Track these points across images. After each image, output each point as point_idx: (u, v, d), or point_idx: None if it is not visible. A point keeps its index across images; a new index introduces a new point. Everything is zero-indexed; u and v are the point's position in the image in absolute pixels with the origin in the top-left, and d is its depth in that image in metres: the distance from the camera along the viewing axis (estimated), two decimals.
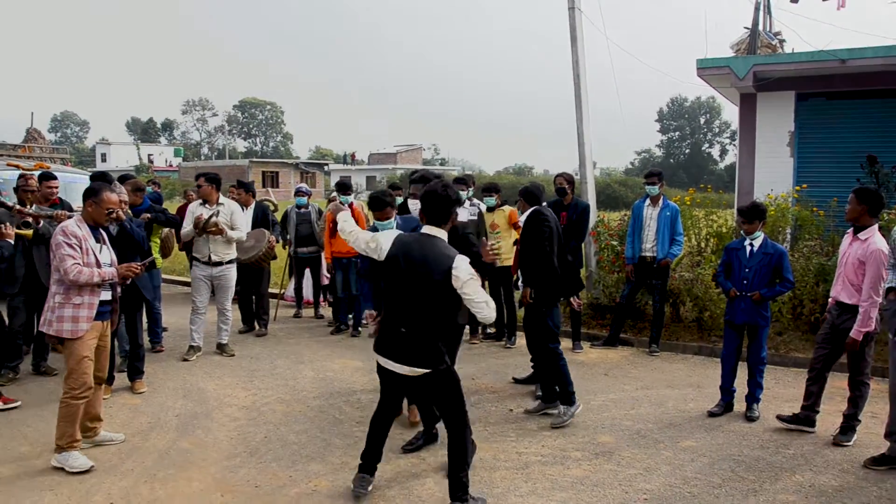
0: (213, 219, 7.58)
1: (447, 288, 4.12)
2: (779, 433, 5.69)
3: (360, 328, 9.29)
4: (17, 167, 10.87)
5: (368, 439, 4.56)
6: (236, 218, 7.99)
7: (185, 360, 7.80)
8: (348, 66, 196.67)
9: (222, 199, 8.01)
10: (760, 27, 12.57)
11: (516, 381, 6.99)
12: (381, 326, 4.38)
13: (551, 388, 6.11)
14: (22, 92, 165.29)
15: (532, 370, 7.03)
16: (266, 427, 5.79)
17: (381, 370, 4.41)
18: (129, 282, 5.68)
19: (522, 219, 6.06)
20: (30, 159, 12.53)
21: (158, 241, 8.19)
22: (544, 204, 6.19)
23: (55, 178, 7.53)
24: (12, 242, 6.27)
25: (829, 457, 5.23)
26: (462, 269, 4.10)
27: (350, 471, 4.89)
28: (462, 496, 4.25)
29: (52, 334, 4.95)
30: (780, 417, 5.79)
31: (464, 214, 8.01)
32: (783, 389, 6.93)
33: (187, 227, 7.76)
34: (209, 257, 7.85)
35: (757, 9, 12.55)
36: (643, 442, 5.52)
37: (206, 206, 7.81)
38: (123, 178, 7.55)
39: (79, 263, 4.92)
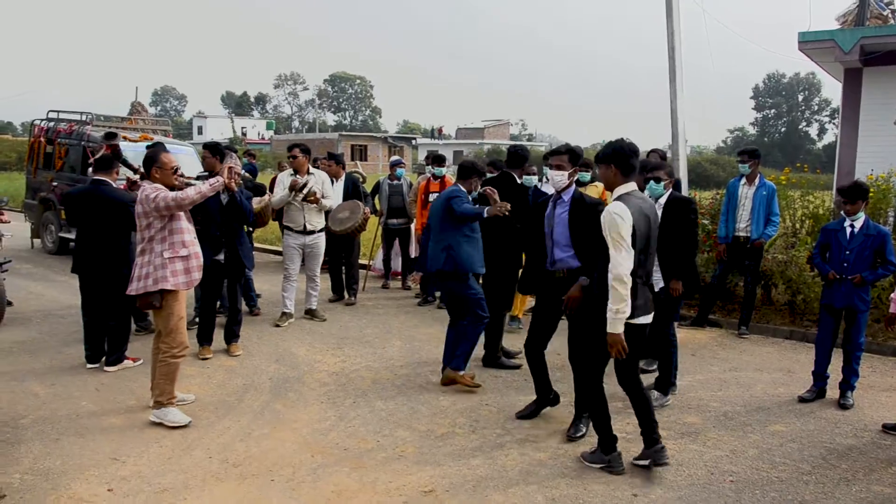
0: (314, 188, 7.81)
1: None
2: (874, 423, 5.49)
3: None
4: (125, 138, 11.39)
5: (604, 408, 4.57)
6: (327, 188, 8.23)
7: (278, 325, 8.05)
8: (438, 40, 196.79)
9: (312, 169, 8.21)
10: None
11: None
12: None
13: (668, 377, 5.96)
14: (126, 67, 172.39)
15: None
16: (354, 393, 5.95)
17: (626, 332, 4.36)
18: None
19: (663, 200, 5.81)
20: (135, 131, 13.06)
21: None
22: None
23: (150, 146, 7.95)
24: None
25: None
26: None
27: (436, 438, 5.01)
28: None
29: (171, 288, 5.07)
30: (886, 427, 5.36)
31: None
32: (879, 378, 6.66)
33: (279, 194, 7.96)
34: (304, 226, 8.05)
35: None
36: (730, 424, 5.42)
37: (297, 176, 8.00)
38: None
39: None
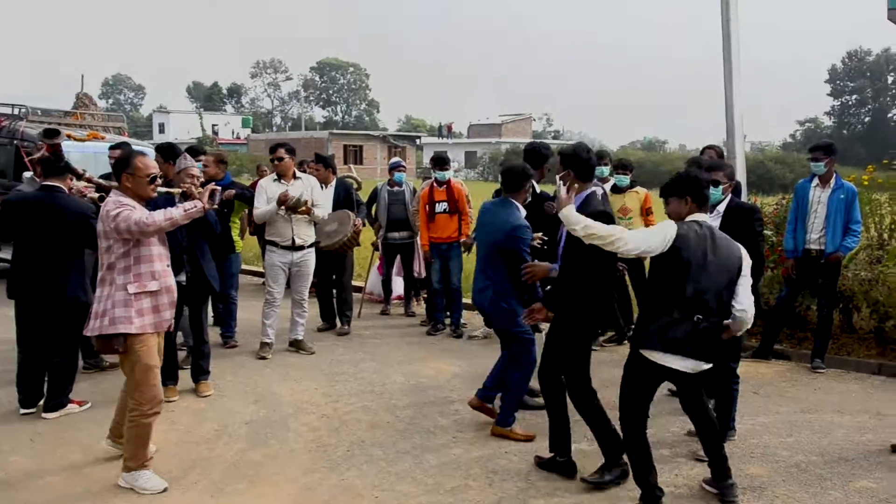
0: (304, 197, 7.89)
1: (737, 276, 4.72)
2: None
3: (461, 328, 9.41)
4: (70, 136, 11.40)
5: (644, 457, 4.75)
6: (317, 194, 8.29)
7: (263, 357, 8.13)
8: (445, 22, 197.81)
9: (299, 173, 8.27)
10: None
11: (672, 393, 6.97)
12: (658, 321, 4.62)
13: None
14: (71, 51, 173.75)
15: None
16: (349, 439, 5.97)
17: (654, 372, 4.72)
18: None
19: (721, 208, 5.94)
20: (81, 128, 13.08)
21: (238, 221, 8.50)
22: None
23: (115, 146, 8.06)
24: None
25: None
26: (747, 260, 4.77)
27: (446, 493, 5.01)
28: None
29: (136, 332, 4.86)
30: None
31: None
32: None
33: (263, 206, 7.99)
34: (292, 241, 8.11)
35: None
36: (804, 478, 5.39)
37: (282, 181, 8.07)
38: (191, 151, 7.88)
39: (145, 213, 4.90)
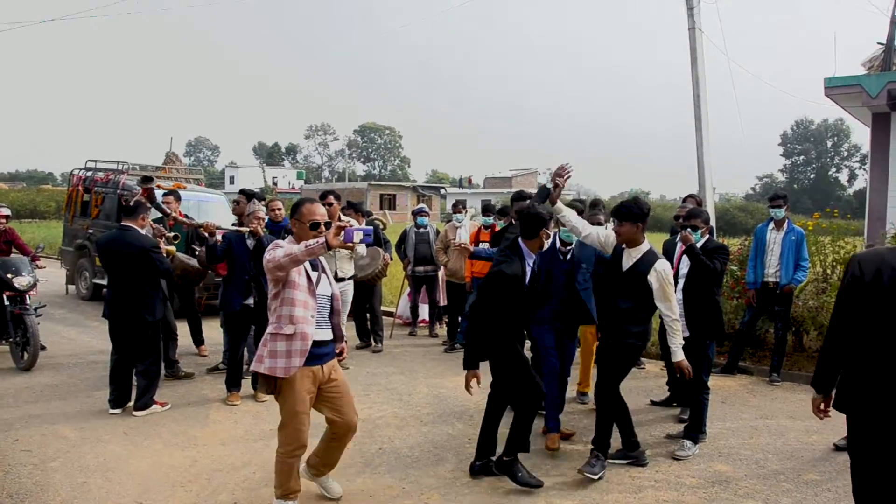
0: None
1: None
2: None
3: None
4: (159, 187, 11.60)
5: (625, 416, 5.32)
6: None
7: None
8: (467, 91, 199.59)
9: (342, 216, 8.30)
10: None
11: (654, 403, 7.03)
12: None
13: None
14: (161, 118, 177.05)
15: (669, 393, 6.92)
16: (381, 440, 5.93)
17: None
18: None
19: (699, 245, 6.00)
20: (168, 180, 13.34)
21: None
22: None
23: (167, 194, 8.36)
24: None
25: None
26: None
27: (462, 486, 4.95)
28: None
29: (265, 373, 4.17)
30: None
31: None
32: None
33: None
34: (335, 274, 8.09)
35: (893, 23, 11.87)
36: (762, 472, 5.30)
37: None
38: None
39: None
